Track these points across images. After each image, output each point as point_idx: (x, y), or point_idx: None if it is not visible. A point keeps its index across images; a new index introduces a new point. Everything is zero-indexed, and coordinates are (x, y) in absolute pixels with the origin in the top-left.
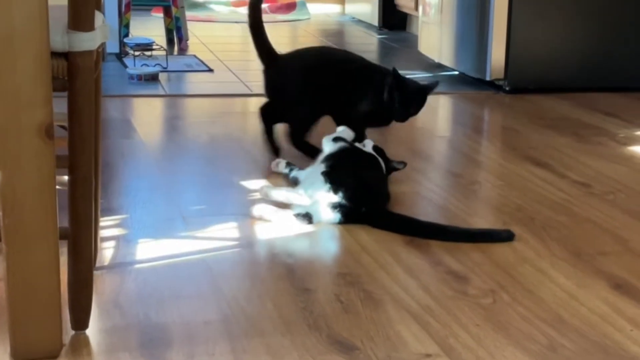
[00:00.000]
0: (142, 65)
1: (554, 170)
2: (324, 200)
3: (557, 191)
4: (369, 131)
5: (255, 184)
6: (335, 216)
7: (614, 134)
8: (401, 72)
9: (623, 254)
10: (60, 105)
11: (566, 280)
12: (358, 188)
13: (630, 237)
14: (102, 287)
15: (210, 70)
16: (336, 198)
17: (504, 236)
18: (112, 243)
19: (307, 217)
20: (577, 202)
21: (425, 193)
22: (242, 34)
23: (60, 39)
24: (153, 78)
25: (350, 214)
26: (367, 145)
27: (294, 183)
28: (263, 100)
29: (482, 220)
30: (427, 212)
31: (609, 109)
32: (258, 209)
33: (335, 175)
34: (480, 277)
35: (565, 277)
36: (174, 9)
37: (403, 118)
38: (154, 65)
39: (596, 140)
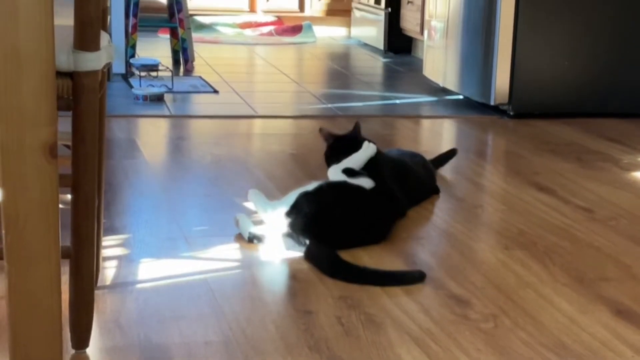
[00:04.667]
0: (147, 86)
1: (557, 195)
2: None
3: (560, 216)
4: None
5: None
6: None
7: (617, 160)
8: (405, 95)
9: (625, 280)
10: (65, 124)
11: (568, 306)
12: (308, 219)
13: (632, 263)
14: (104, 306)
15: (216, 91)
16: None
17: (417, 276)
18: (114, 262)
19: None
20: (580, 228)
21: (428, 216)
22: (248, 55)
23: (65, 59)
24: (158, 99)
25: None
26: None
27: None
28: (267, 121)
29: (484, 245)
30: (429, 235)
31: (613, 134)
32: (252, 230)
33: (303, 200)
34: (481, 302)
35: (568, 302)
36: (180, 31)
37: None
38: (160, 86)
39: (600, 165)
